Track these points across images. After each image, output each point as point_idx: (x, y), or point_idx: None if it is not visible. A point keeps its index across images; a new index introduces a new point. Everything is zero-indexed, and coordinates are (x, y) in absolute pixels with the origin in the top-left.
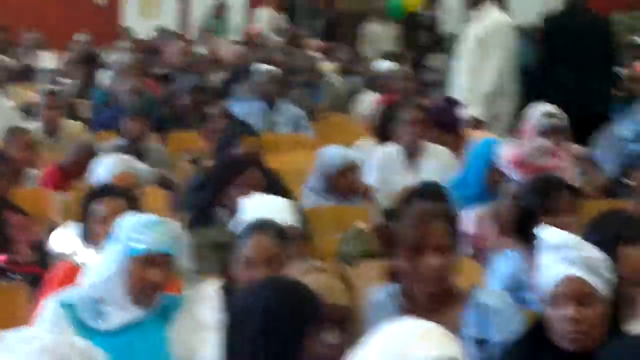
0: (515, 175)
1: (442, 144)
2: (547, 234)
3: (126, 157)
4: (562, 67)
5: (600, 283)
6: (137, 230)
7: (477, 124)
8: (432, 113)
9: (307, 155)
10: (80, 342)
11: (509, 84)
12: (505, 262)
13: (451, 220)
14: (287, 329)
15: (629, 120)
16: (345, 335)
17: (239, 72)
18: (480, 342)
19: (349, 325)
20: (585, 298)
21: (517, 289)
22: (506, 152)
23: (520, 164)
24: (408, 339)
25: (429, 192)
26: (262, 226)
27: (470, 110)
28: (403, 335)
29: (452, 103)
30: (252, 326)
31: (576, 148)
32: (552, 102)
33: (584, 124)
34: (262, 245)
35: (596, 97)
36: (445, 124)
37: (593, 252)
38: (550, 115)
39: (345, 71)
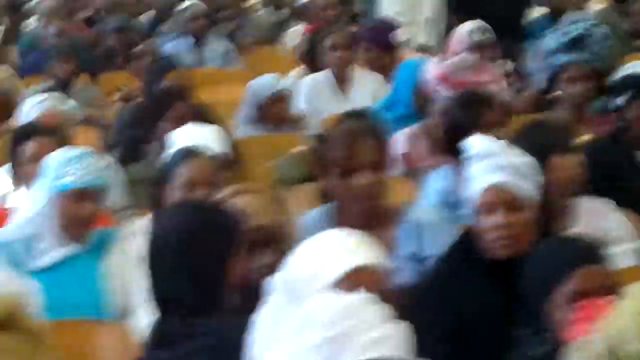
0: (442, 91)
1: (379, 64)
2: (474, 144)
3: (53, 95)
4: None
5: (527, 188)
6: (64, 165)
7: (423, 50)
8: (369, 33)
9: (237, 88)
10: (16, 279)
11: (444, 10)
12: (438, 179)
13: (380, 138)
14: (207, 249)
15: (555, 32)
16: (277, 256)
17: (166, 11)
18: (415, 259)
19: (281, 246)
20: (513, 204)
21: (451, 205)
22: (432, 70)
23: (445, 79)
24: (332, 247)
25: (358, 114)
26: (198, 150)
27: (413, 36)
28: (327, 244)
29: (389, 24)
30: (171, 248)
31: (504, 63)
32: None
33: (506, 38)
34: (201, 167)
35: (514, 11)
36: (382, 43)
37: (519, 158)
38: (476, 30)
39: (272, 3)
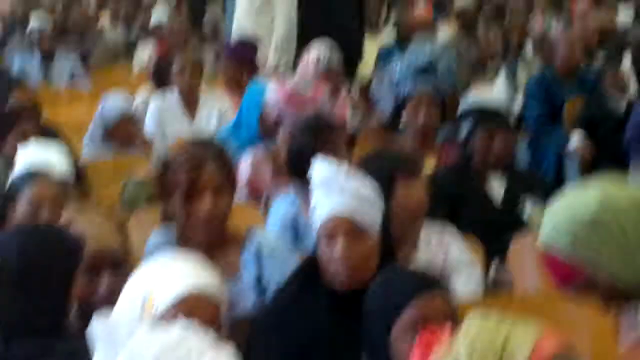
0: (286, 114)
1: (240, 81)
2: (318, 169)
3: None
4: (316, 13)
5: (370, 217)
6: None
7: (274, 71)
8: (231, 50)
9: (85, 107)
10: None
11: (295, 31)
12: (283, 204)
13: (225, 162)
14: (47, 273)
15: (402, 59)
16: (118, 280)
17: (14, 26)
18: (258, 285)
19: (123, 268)
20: (355, 232)
21: (294, 230)
22: (276, 92)
23: (289, 102)
24: (166, 269)
25: (203, 138)
26: (43, 171)
27: (265, 58)
28: (161, 267)
29: (251, 43)
30: (11, 272)
31: (350, 89)
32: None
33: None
34: (45, 188)
35: (349, 36)
36: (244, 61)
37: (362, 186)
38: (323, 55)
39: (122, 22)
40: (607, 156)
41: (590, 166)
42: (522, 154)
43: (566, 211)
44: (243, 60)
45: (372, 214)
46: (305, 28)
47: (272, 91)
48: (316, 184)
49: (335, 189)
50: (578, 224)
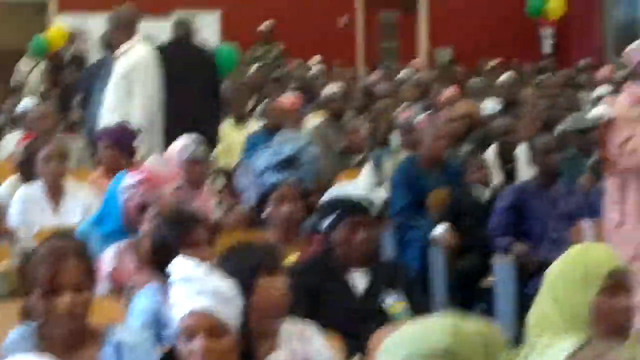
0: (148, 201)
1: (117, 165)
2: (177, 266)
3: None
4: (176, 97)
5: (229, 313)
6: None
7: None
8: (110, 133)
9: None
10: None
11: (157, 118)
12: (145, 297)
13: (85, 257)
14: None
15: (267, 150)
16: None
17: None
18: None
19: None
20: (213, 329)
21: (156, 324)
22: (131, 176)
23: (142, 182)
24: None
25: (63, 232)
26: None
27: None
28: None
29: (129, 129)
30: None
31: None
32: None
33: None
34: None
35: (207, 125)
36: (122, 145)
37: (221, 282)
38: (189, 145)
39: None
40: (471, 246)
41: (455, 255)
42: (387, 244)
43: (414, 343)
44: (123, 147)
45: (230, 311)
46: (167, 116)
47: (127, 177)
48: (176, 280)
49: (196, 287)
50: (431, 356)
